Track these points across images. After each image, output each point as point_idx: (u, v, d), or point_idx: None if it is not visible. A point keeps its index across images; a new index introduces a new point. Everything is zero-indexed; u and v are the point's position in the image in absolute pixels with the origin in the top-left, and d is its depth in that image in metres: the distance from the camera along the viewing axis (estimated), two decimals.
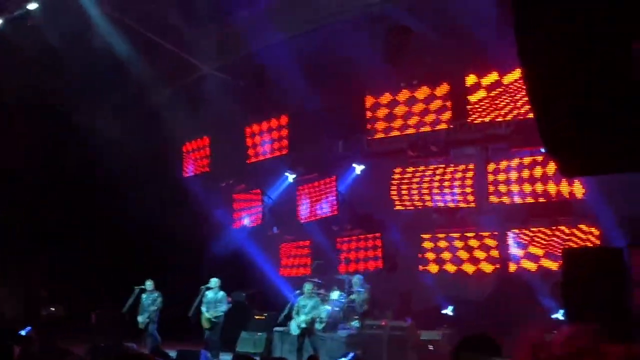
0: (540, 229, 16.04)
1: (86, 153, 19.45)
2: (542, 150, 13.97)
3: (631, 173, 6.21)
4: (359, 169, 19.25)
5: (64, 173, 19.19)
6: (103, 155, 18.95)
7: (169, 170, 21.52)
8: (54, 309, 20.31)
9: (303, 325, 15.60)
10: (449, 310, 17.48)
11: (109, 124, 19.60)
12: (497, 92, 15.81)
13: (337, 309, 17.35)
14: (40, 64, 17.54)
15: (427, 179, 17.51)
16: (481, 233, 16.96)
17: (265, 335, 17.87)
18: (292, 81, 17.18)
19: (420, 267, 17.68)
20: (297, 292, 16.47)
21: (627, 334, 9.46)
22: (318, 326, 15.88)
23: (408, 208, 17.87)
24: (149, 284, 16.87)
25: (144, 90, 19.25)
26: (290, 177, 20.62)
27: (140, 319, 16.70)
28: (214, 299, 16.28)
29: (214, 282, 16.43)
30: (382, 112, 17.59)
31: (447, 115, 16.66)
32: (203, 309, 16.27)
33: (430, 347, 15.89)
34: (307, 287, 16.08)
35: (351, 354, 13.52)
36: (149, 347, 16.08)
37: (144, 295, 16.81)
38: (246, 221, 20.98)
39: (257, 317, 18.77)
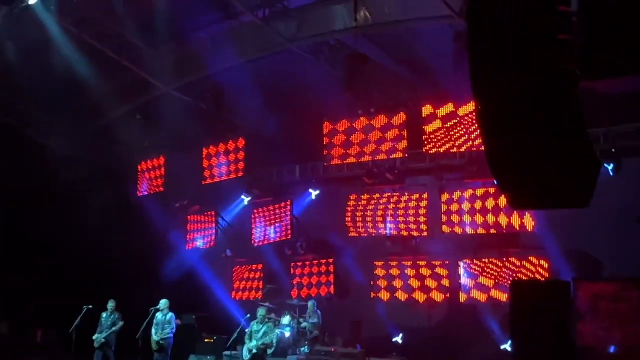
0: (491, 259, 16.25)
1: (40, 168, 19.12)
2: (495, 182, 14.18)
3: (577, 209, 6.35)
4: (314, 193, 19.28)
5: (16, 188, 18.82)
6: (57, 170, 18.66)
7: (123, 188, 21.28)
8: None
9: (254, 351, 15.50)
10: (398, 338, 17.53)
11: (63, 140, 19.39)
12: (452, 123, 16.01)
13: (287, 334, 17.27)
14: None
15: (381, 206, 17.64)
16: (433, 262, 17.13)
17: (214, 358, 17.70)
18: (251, 104, 17.22)
19: (372, 294, 17.73)
20: (248, 316, 16.36)
21: None
22: (268, 351, 15.77)
23: (362, 235, 17.96)
24: (110, 305, 16.58)
25: (100, 107, 19.03)
26: (246, 200, 20.54)
27: (95, 336, 16.35)
28: (162, 321, 16.06)
29: (163, 303, 16.23)
30: (339, 139, 17.68)
31: (403, 144, 16.79)
32: (152, 330, 16.04)
33: None
34: (261, 312, 16.00)
35: None
36: None
37: (104, 315, 16.49)
38: (199, 243, 20.83)
39: (206, 339, 18.59)
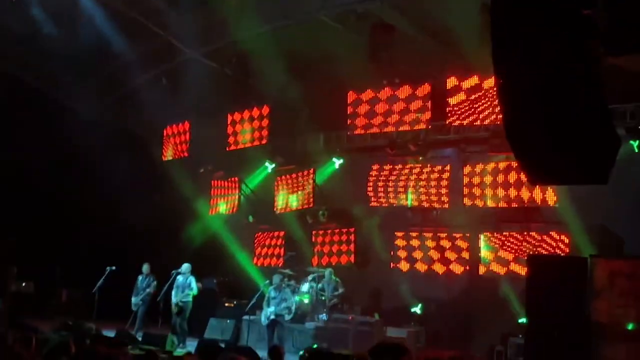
0: (512, 233, 16.23)
1: (63, 132, 19.33)
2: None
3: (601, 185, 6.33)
4: (337, 163, 19.30)
5: (39, 151, 19.06)
6: (81, 134, 18.85)
7: (148, 153, 21.49)
8: (24, 284, 20.22)
9: (272, 317, 15.70)
10: (417, 309, 17.63)
11: (90, 104, 19.55)
12: (476, 95, 15.94)
13: (306, 301, 17.45)
14: (22, 41, 17.45)
15: (403, 177, 17.66)
16: (453, 234, 17.13)
17: (234, 322, 17.95)
18: (276, 72, 17.19)
19: (392, 265, 17.82)
20: (267, 282, 16.54)
21: (585, 340, 9.66)
22: (286, 317, 15.96)
23: (383, 205, 18.00)
24: (145, 268, 17.10)
25: (127, 72, 19.16)
26: (269, 167, 20.64)
27: (133, 300, 16.90)
28: (183, 284, 16.31)
29: (185, 267, 16.46)
30: (363, 109, 17.69)
31: (426, 115, 16.78)
32: (172, 293, 16.31)
33: None
34: (276, 279, 16.18)
35: (316, 346, 13.64)
36: (136, 329, 16.14)
37: (139, 278, 17.01)
38: (222, 208, 21.01)
39: (226, 304, 18.84)
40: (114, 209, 19.16)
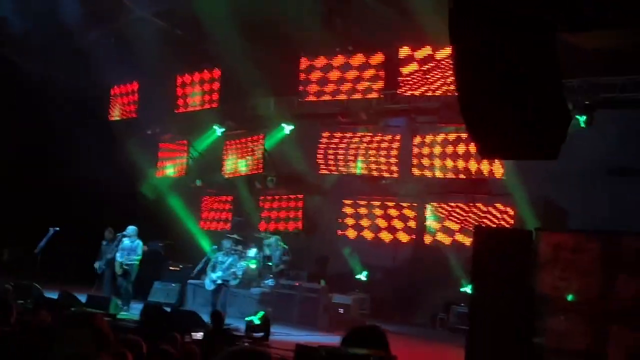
0: (458, 204, 16.45)
1: (14, 91, 18.82)
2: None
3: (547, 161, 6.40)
4: (287, 128, 19.19)
5: None
6: (31, 93, 18.38)
7: (96, 112, 21.05)
8: None
9: (218, 282, 15.65)
10: (362, 276, 17.79)
11: (35, 62, 19.02)
12: (429, 66, 15.98)
13: (253, 267, 17.45)
14: None
15: (354, 145, 17.66)
16: (401, 203, 17.28)
17: (179, 286, 17.85)
18: (228, 34, 16.94)
19: (339, 232, 17.91)
20: (214, 247, 16.46)
21: (529, 311, 9.86)
22: (233, 282, 15.93)
23: (333, 172, 18.02)
24: (107, 233, 16.93)
25: (74, 29, 18.65)
26: (219, 131, 20.42)
27: (97, 264, 16.85)
28: (129, 247, 16.17)
29: (131, 230, 16.30)
30: (315, 75, 17.58)
31: (379, 84, 16.77)
32: (117, 255, 16.15)
33: (341, 310, 16.20)
34: (226, 244, 16.10)
35: (262, 312, 13.67)
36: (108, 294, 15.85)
37: (103, 242, 16.89)
38: (169, 171, 20.78)
39: (171, 268, 18.70)
40: (58, 167, 18.78)
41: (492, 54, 5.91)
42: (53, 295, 14.26)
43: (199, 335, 11.08)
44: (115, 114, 21.42)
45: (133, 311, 15.05)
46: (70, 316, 3.93)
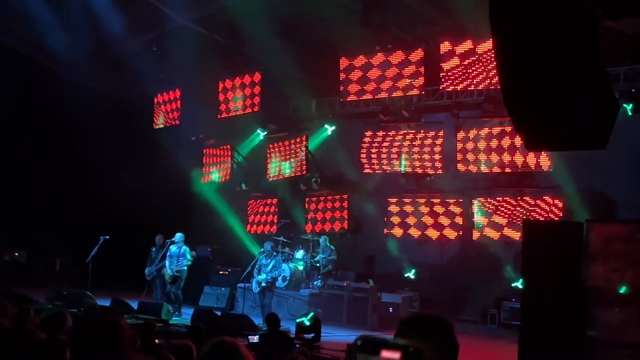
0: (505, 198, 16.25)
1: (54, 98, 19.15)
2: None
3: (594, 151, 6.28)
4: (330, 129, 19.22)
5: (29, 118, 18.90)
6: (72, 101, 18.66)
7: (138, 121, 21.34)
8: (17, 254, 20.22)
9: (263, 284, 15.78)
10: (411, 274, 17.70)
11: (78, 69, 19.33)
12: (470, 60, 15.83)
13: (300, 268, 17.51)
14: (5, 6, 17.26)
15: (396, 143, 17.58)
16: (447, 199, 17.14)
17: (228, 290, 17.99)
18: (267, 38, 17.01)
19: (385, 231, 17.84)
20: (262, 250, 16.56)
21: (581, 304, 9.71)
22: (281, 284, 16.01)
23: (376, 171, 17.97)
24: (158, 239, 17.03)
25: (116, 38, 18.92)
26: (261, 135, 20.54)
27: (147, 270, 16.92)
28: (176, 254, 16.29)
29: (178, 236, 16.45)
30: (355, 75, 17.55)
31: (420, 81, 16.67)
32: (166, 263, 16.31)
33: (390, 309, 16.16)
34: (267, 246, 16.22)
35: (312, 313, 13.69)
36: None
37: (153, 249, 16.97)
38: (215, 176, 20.95)
39: (220, 272, 18.88)
40: (106, 177, 19.06)
41: (534, 44, 5.82)
42: (106, 302, 14.52)
43: (255, 338, 11.15)
44: (160, 122, 21.67)
45: (184, 316, 15.21)
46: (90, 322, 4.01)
